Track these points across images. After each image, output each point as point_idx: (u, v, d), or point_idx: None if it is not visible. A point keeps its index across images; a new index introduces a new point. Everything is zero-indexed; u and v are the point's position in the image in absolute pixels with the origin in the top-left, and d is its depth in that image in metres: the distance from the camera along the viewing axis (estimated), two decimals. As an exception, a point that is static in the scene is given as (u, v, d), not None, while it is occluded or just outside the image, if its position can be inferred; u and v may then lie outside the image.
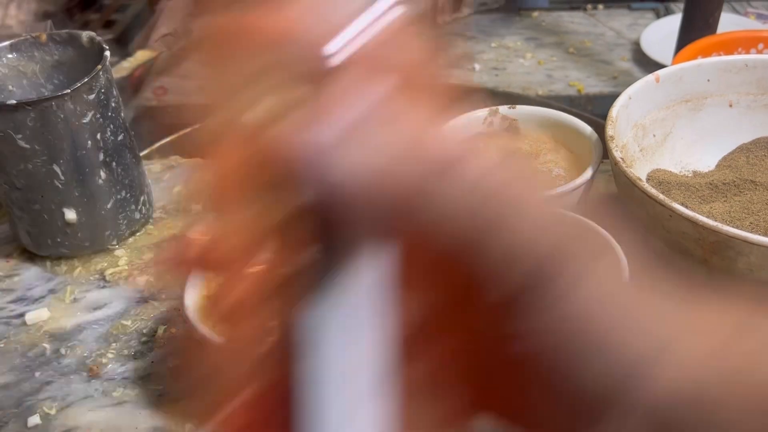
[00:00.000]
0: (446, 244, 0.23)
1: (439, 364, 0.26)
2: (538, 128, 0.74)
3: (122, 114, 0.72)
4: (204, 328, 0.52)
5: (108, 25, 1.36)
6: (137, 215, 0.75)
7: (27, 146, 0.65)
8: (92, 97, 0.67)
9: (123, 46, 1.30)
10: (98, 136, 0.69)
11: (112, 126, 0.70)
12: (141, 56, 1.18)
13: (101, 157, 0.69)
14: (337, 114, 0.22)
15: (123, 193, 0.73)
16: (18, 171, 0.67)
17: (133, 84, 1.25)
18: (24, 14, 1.32)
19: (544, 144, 0.73)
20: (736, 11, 1.38)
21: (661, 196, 0.56)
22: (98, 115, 0.68)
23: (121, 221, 0.74)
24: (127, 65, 1.15)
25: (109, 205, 0.72)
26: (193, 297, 0.56)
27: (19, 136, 0.64)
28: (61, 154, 0.67)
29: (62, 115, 0.65)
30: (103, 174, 0.70)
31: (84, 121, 0.67)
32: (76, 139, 0.67)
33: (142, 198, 0.75)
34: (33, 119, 0.64)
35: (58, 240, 0.71)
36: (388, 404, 0.24)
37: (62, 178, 0.68)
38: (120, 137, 0.71)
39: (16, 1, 1.33)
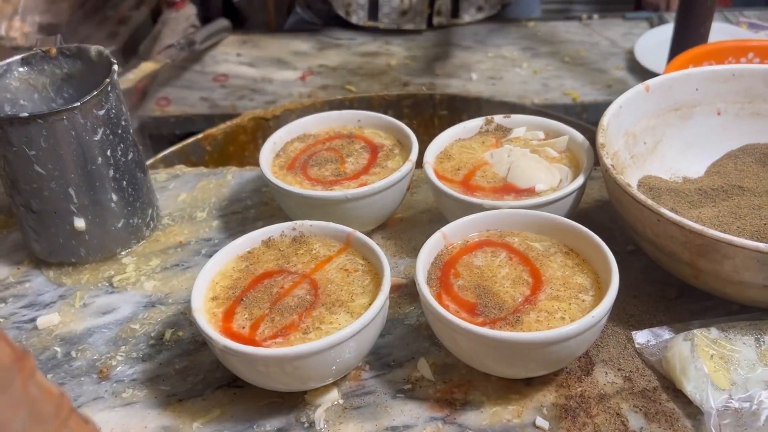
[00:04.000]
0: None
1: None
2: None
3: (131, 131, 0.74)
4: (211, 330, 0.54)
5: (112, 36, 1.38)
6: (147, 232, 0.78)
7: (42, 171, 0.68)
8: (102, 112, 0.69)
9: (127, 57, 1.32)
10: (108, 153, 0.71)
11: (122, 145, 0.72)
12: (145, 68, 1.20)
13: (111, 173, 0.71)
14: None
15: (135, 220, 0.75)
16: (32, 189, 0.69)
17: (137, 95, 1.28)
18: (28, 26, 1.35)
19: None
20: (728, 20, 1.40)
21: (650, 202, 0.58)
22: (108, 132, 0.70)
23: (131, 239, 0.76)
24: (132, 77, 1.17)
25: (119, 225, 0.74)
26: (199, 300, 0.58)
27: (33, 152, 0.66)
28: (74, 174, 0.69)
29: (73, 132, 0.67)
30: (114, 196, 0.72)
31: (95, 138, 0.69)
32: (87, 157, 0.69)
33: (150, 212, 0.78)
34: (45, 137, 0.66)
35: (68, 249, 0.74)
36: None
37: (76, 201, 0.70)
38: (130, 155, 0.74)
39: (20, 13, 1.35)
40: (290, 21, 1.56)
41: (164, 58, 1.28)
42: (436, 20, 1.42)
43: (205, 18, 1.52)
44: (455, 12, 1.44)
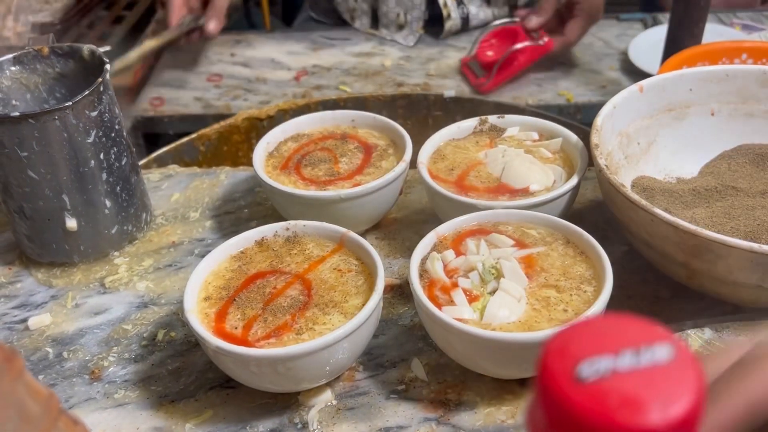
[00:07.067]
0: None
1: None
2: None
3: (125, 135, 0.74)
4: (203, 331, 0.54)
5: (106, 36, 1.38)
6: (139, 235, 0.78)
7: (35, 176, 0.67)
8: (95, 114, 0.68)
9: (131, 42, 1.31)
10: (102, 156, 0.70)
11: (116, 149, 0.72)
12: (146, 46, 1.18)
13: (104, 177, 0.71)
14: None
15: (128, 226, 0.75)
16: (24, 193, 0.68)
17: (131, 94, 1.27)
18: (21, 26, 1.34)
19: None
20: (722, 22, 1.40)
21: (643, 202, 0.58)
22: (101, 134, 0.70)
23: (124, 243, 0.76)
24: (133, 55, 1.14)
25: (113, 231, 0.74)
26: (192, 301, 0.58)
27: (25, 155, 0.66)
28: (66, 177, 0.68)
29: (65, 133, 0.67)
30: (108, 202, 0.72)
31: (88, 140, 0.68)
32: (80, 158, 0.68)
33: (143, 216, 0.77)
34: (37, 138, 0.65)
35: (61, 253, 0.73)
36: None
37: (69, 207, 0.70)
38: (124, 160, 0.73)
39: (13, 12, 1.34)
40: (299, 19, 1.57)
41: (175, 29, 1.24)
42: (448, 24, 1.40)
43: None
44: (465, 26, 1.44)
